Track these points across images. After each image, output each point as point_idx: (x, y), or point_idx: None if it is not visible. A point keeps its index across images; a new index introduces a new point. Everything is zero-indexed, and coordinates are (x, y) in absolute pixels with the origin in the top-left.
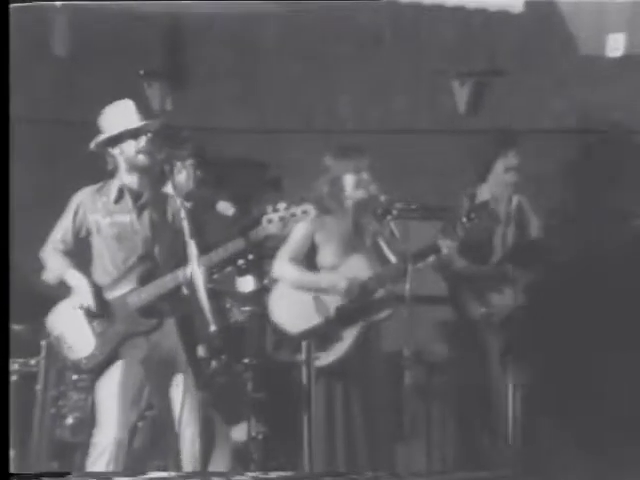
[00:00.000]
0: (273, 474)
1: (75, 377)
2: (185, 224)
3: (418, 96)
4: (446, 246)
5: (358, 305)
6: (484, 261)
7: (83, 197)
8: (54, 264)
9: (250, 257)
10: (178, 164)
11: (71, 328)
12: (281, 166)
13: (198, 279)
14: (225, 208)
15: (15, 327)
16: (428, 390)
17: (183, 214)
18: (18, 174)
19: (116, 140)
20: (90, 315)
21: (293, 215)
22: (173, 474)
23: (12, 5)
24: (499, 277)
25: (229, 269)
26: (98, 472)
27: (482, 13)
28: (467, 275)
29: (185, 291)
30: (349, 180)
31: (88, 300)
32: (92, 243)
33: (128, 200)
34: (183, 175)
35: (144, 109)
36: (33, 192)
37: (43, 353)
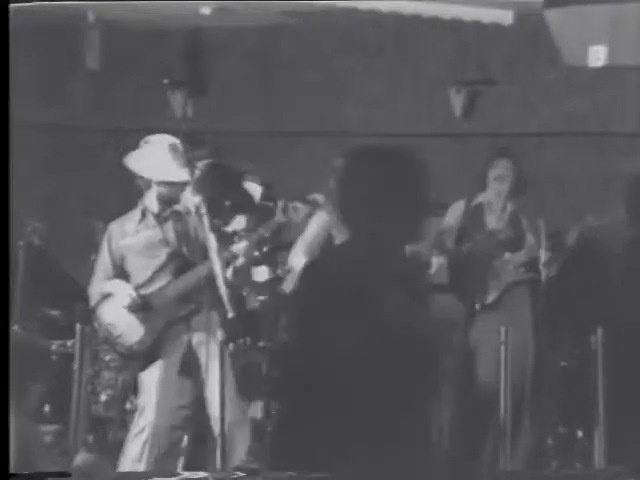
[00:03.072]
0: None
1: (107, 358)
2: (205, 219)
3: (418, 102)
4: (437, 263)
5: None
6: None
7: (112, 229)
8: (99, 289)
9: (265, 249)
10: (198, 164)
11: (119, 319)
12: (292, 167)
13: (217, 269)
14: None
15: (53, 312)
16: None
17: (204, 210)
18: (48, 179)
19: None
20: (131, 309)
21: (304, 204)
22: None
23: (12, 5)
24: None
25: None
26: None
27: (476, 25)
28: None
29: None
30: None
31: (127, 295)
32: (127, 262)
33: (150, 218)
34: (202, 174)
35: (183, 155)
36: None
37: (78, 336)
